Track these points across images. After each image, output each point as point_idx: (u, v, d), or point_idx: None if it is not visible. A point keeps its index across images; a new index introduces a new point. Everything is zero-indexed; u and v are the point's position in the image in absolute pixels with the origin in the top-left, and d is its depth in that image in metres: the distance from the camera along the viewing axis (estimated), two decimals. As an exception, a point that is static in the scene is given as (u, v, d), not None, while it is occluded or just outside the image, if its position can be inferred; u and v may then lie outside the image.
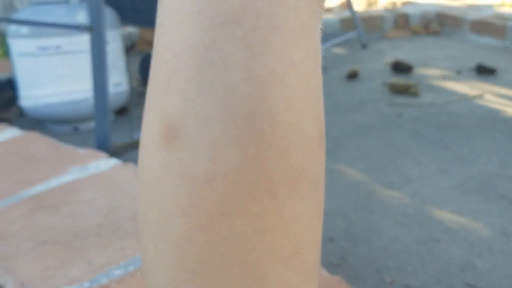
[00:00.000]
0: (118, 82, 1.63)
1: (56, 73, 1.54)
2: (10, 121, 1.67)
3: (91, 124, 1.60)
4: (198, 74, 0.25)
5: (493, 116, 1.44)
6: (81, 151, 1.09)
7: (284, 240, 0.26)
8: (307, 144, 0.26)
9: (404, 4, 3.24)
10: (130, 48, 2.62)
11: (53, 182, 0.93)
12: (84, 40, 1.47)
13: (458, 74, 1.92)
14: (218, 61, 0.25)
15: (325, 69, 2.02)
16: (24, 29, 1.51)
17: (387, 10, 2.99)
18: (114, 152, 1.33)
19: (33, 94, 1.56)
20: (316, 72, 0.27)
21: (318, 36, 0.28)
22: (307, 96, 0.26)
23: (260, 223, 0.25)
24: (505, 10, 2.75)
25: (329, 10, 3.14)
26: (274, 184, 0.25)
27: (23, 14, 1.54)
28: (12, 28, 1.52)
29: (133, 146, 1.38)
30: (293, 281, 0.27)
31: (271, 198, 0.25)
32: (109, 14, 1.58)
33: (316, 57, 0.27)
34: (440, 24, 2.80)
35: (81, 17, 1.52)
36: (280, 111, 0.25)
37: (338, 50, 2.47)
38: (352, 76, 1.94)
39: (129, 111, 1.76)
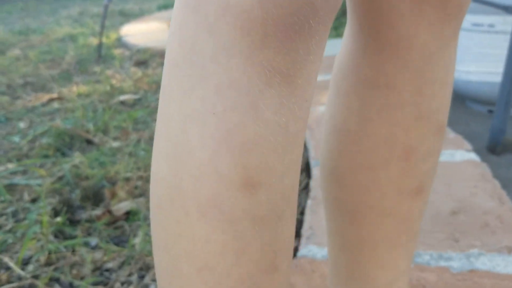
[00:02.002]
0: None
1: (483, 51, 1.56)
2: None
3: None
4: None
5: None
6: (451, 135, 1.17)
7: (193, 254, 0.32)
8: (222, 182, 0.31)
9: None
10: None
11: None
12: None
13: None
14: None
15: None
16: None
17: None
18: (505, 146, 1.34)
19: (456, 68, 1.61)
20: (250, 125, 0.30)
21: (264, 95, 0.30)
22: (226, 142, 0.30)
23: (178, 228, 0.32)
24: None
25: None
26: (187, 204, 0.32)
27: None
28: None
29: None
30: None
31: (184, 214, 0.32)
32: None
33: (255, 112, 0.30)
34: None
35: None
36: (195, 146, 0.31)
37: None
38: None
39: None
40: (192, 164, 0.31)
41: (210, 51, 0.30)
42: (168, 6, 5.22)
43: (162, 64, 2.69)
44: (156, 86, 2.26)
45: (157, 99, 2.06)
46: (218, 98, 0.30)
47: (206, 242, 0.32)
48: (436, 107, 0.45)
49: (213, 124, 0.30)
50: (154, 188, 0.34)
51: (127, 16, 4.73)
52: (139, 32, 3.61)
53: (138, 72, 2.50)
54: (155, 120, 1.82)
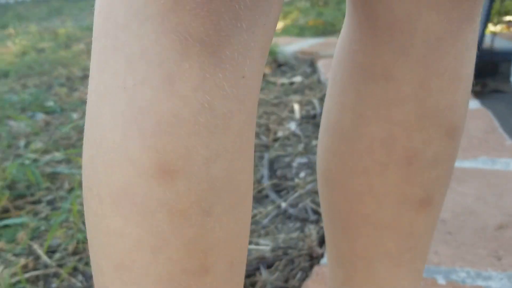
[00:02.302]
0: None
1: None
2: (501, 92, 1.76)
3: None
4: None
5: None
6: (508, 142, 1.16)
7: (109, 249, 0.29)
8: (134, 169, 0.27)
9: None
10: None
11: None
12: None
13: None
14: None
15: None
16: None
17: None
18: None
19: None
20: (165, 102, 0.27)
21: (181, 67, 0.27)
22: (137, 122, 0.27)
23: (95, 220, 0.30)
24: None
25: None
26: (101, 194, 0.29)
27: None
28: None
29: None
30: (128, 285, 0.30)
31: (99, 205, 0.29)
32: None
33: (170, 87, 0.27)
34: None
35: None
36: (106, 127, 0.28)
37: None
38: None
39: None
40: (105, 148, 0.28)
41: (122, 18, 0.27)
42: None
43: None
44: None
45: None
46: (129, 71, 0.27)
47: (121, 236, 0.28)
48: (445, 105, 0.39)
49: (124, 102, 0.27)
50: (82, 177, 0.32)
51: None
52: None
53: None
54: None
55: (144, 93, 0.26)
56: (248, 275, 0.87)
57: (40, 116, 1.85)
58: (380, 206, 0.42)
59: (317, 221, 1.04)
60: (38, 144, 1.54)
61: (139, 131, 0.27)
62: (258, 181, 1.26)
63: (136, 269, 0.29)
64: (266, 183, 1.23)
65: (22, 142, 1.58)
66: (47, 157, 1.43)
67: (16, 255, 0.96)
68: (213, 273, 0.30)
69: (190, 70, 0.26)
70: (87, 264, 0.93)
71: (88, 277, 0.90)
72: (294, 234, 1.01)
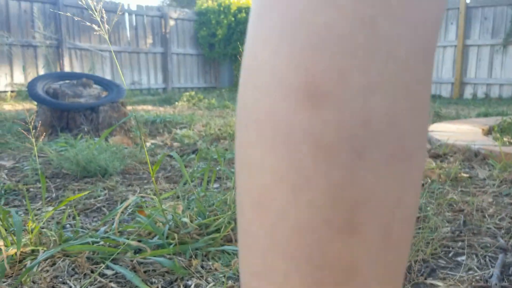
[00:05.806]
0: None
1: None
2: None
3: None
4: None
5: None
6: None
7: (250, 184, 0.27)
8: (280, 89, 0.25)
9: None
10: None
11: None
12: None
13: None
14: None
15: None
16: None
17: None
18: None
19: None
20: (319, 13, 0.24)
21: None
22: (288, 36, 0.24)
23: (241, 149, 0.28)
24: None
25: None
26: (247, 122, 0.27)
27: None
28: None
29: None
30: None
31: (245, 131, 0.27)
32: None
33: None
34: None
35: None
36: (259, 45, 0.26)
37: None
38: None
39: None
40: (254, 68, 0.26)
41: None
42: (488, 114, 4.95)
43: (461, 159, 2.53)
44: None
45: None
46: None
47: (261, 169, 0.26)
48: None
49: (276, 16, 0.25)
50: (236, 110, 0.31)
51: (442, 118, 4.70)
52: (447, 130, 3.52)
53: (431, 163, 2.42)
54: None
55: (299, 3, 0.24)
56: None
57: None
58: None
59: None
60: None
61: (289, 46, 0.24)
62: (484, 279, 1.09)
63: (274, 209, 0.26)
64: (494, 281, 1.06)
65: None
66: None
67: (226, 277, 1.03)
68: (361, 234, 0.25)
69: None
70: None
71: None
72: None
